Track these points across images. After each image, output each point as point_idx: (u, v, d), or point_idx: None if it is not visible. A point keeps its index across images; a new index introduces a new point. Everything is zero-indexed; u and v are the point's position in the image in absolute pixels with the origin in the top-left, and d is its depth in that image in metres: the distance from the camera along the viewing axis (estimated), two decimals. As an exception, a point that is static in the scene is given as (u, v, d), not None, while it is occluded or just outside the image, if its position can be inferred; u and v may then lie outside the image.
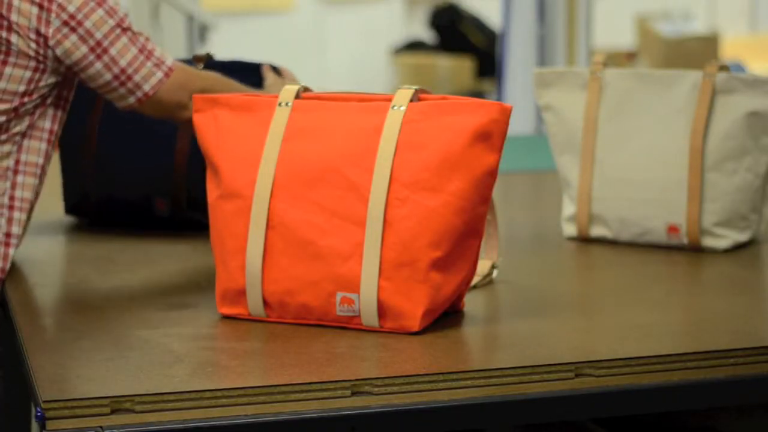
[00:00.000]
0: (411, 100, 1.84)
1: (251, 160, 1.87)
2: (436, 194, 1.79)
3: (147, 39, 2.21)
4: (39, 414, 1.50)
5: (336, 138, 1.84)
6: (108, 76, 2.17)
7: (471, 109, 1.81)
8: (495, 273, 2.12)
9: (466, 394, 1.61)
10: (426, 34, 9.29)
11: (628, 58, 7.57)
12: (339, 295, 1.81)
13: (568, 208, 2.49)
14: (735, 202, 2.37)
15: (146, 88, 2.19)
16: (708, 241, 2.38)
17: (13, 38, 2.12)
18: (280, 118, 1.88)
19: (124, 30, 2.17)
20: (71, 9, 2.13)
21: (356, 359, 1.71)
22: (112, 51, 2.16)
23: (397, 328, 1.80)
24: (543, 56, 5.25)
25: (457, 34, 8.97)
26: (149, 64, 2.19)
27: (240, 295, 1.87)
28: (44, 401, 1.51)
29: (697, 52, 7.35)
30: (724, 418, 2.20)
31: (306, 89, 1.93)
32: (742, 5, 9.90)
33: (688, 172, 2.37)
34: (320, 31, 9.25)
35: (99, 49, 2.15)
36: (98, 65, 2.16)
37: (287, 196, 1.84)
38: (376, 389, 1.60)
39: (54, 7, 2.12)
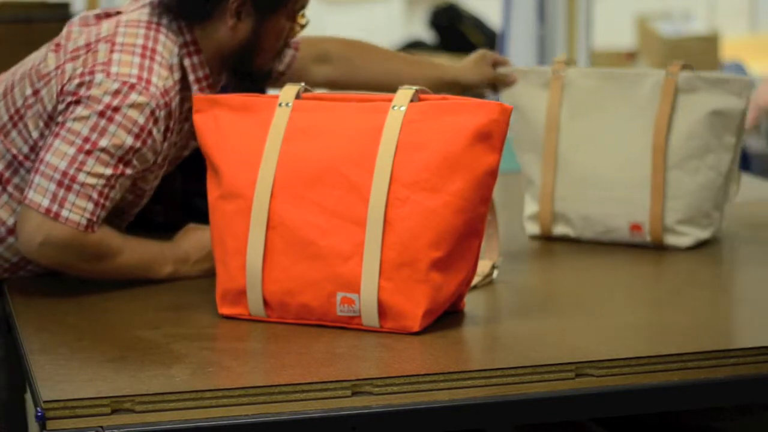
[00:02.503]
0: (411, 100, 1.84)
1: (251, 160, 1.87)
2: (436, 194, 1.79)
3: (103, 191, 2.01)
4: (39, 414, 1.50)
5: (336, 138, 1.84)
6: (42, 153, 2.03)
7: (471, 109, 1.81)
8: (495, 273, 2.12)
9: (466, 394, 1.61)
10: (426, 34, 9.28)
11: (628, 58, 7.55)
12: (339, 295, 1.81)
13: (531, 207, 2.50)
14: (698, 200, 2.37)
15: (45, 203, 1.99)
16: (670, 239, 2.38)
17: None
18: (280, 119, 1.88)
19: (89, 152, 1.99)
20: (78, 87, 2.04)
21: (356, 359, 1.71)
22: (56, 142, 2.01)
23: (398, 328, 1.80)
24: (543, 56, 5.24)
25: (457, 34, 8.95)
26: (72, 195, 1.99)
27: (240, 295, 1.87)
28: (44, 401, 1.51)
29: (697, 52, 7.34)
30: (724, 418, 2.20)
31: (306, 89, 1.93)
32: (742, 5, 9.89)
33: (651, 170, 2.37)
34: (320, 31, 9.22)
35: (60, 128, 2.02)
36: (50, 138, 2.03)
37: (288, 196, 1.84)
38: (376, 389, 1.60)
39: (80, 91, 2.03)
